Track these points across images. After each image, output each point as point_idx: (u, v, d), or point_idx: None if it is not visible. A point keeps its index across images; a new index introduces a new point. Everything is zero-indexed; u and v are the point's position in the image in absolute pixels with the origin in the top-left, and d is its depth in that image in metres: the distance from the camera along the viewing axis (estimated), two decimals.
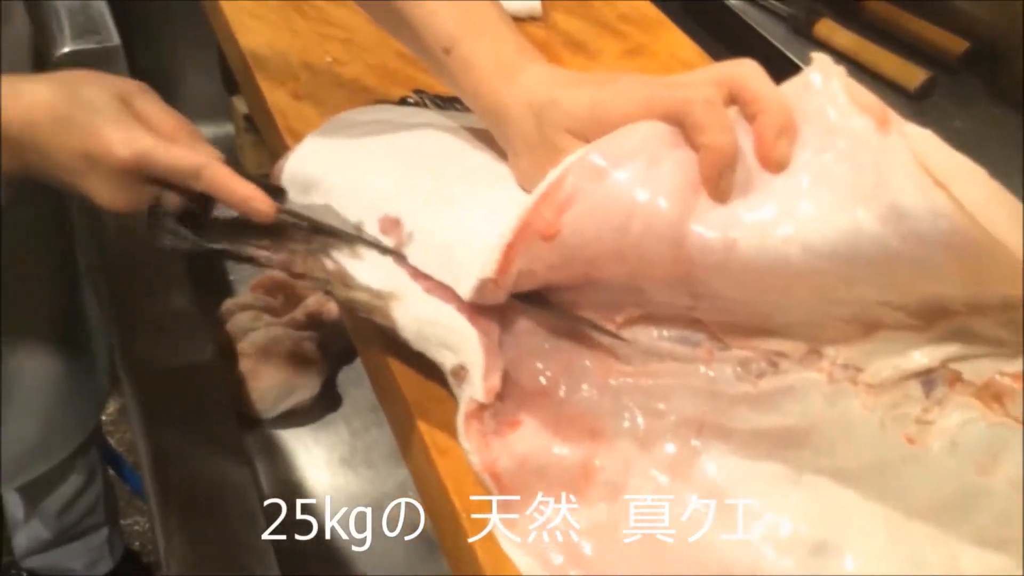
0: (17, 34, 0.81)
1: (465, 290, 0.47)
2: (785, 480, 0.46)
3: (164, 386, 0.73)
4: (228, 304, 0.85)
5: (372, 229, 0.52)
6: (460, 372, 0.47)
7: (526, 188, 0.50)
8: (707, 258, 0.42)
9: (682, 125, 0.42)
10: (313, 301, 0.87)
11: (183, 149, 0.53)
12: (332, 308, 0.87)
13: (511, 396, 0.48)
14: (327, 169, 0.56)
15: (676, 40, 0.85)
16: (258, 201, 0.53)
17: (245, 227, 0.54)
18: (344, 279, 0.51)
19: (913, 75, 0.81)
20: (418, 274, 0.50)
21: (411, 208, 0.51)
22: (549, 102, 0.46)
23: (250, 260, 0.52)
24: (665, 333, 0.49)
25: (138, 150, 0.52)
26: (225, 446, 0.69)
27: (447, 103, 0.70)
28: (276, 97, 0.74)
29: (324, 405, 0.83)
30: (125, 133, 0.52)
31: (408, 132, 0.57)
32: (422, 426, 0.51)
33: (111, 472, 1.46)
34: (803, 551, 0.45)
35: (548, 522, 0.46)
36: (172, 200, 0.54)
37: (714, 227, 0.42)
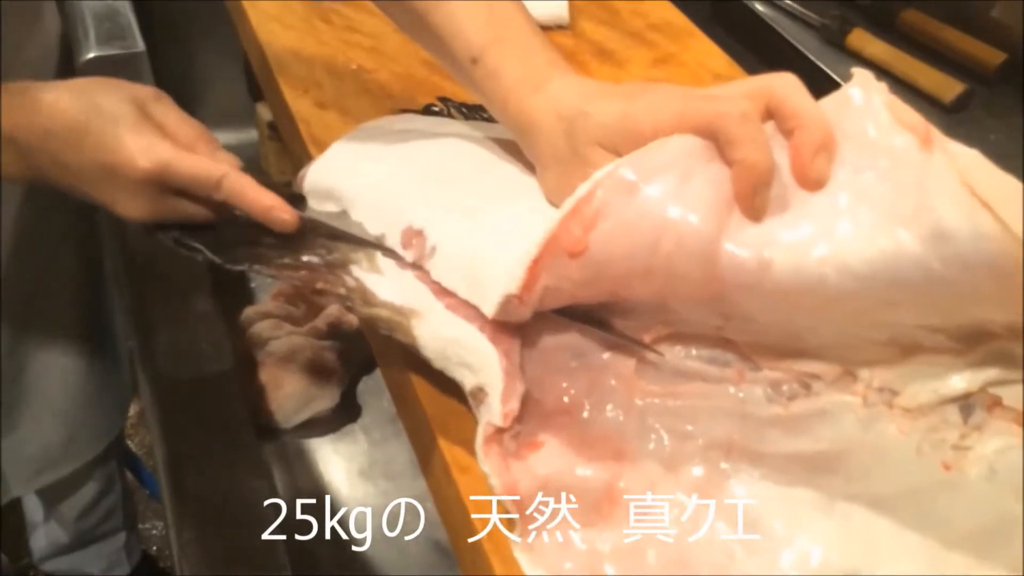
0: (47, 34, 0.81)
1: (489, 307, 0.46)
2: (817, 506, 0.45)
3: (182, 392, 0.72)
4: (249, 312, 0.85)
5: (393, 241, 0.52)
6: (479, 394, 0.46)
7: (554, 202, 0.49)
8: (740, 278, 0.41)
9: (716, 139, 0.41)
10: (334, 310, 0.86)
11: (203, 159, 0.53)
12: (353, 318, 0.86)
13: (533, 415, 0.47)
14: (349, 179, 0.55)
15: (705, 50, 0.84)
16: (280, 211, 0.52)
17: (263, 243, 0.53)
18: (365, 296, 0.50)
19: (949, 88, 0.79)
20: (441, 291, 0.49)
21: (434, 221, 0.50)
22: (579, 114, 0.45)
23: (271, 276, 0.51)
24: (694, 352, 0.48)
25: (158, 161, 0.51)
26: (243, 454, 0.68)
27: (472, 111, 0.69)
28: (300, 105, 0.73)
29: (343, 415, 0.82)
30: (145, 143, 0.51)
31: (433, 143, 0.56)
32: (442, 442, 0.50)
33: (129, 476, 1.47)
34: None
35: (571, 546, 0.45)
36: (192, 210, 0.54)
37: (747, 246, 0.41)
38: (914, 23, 0.86)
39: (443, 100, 0.71)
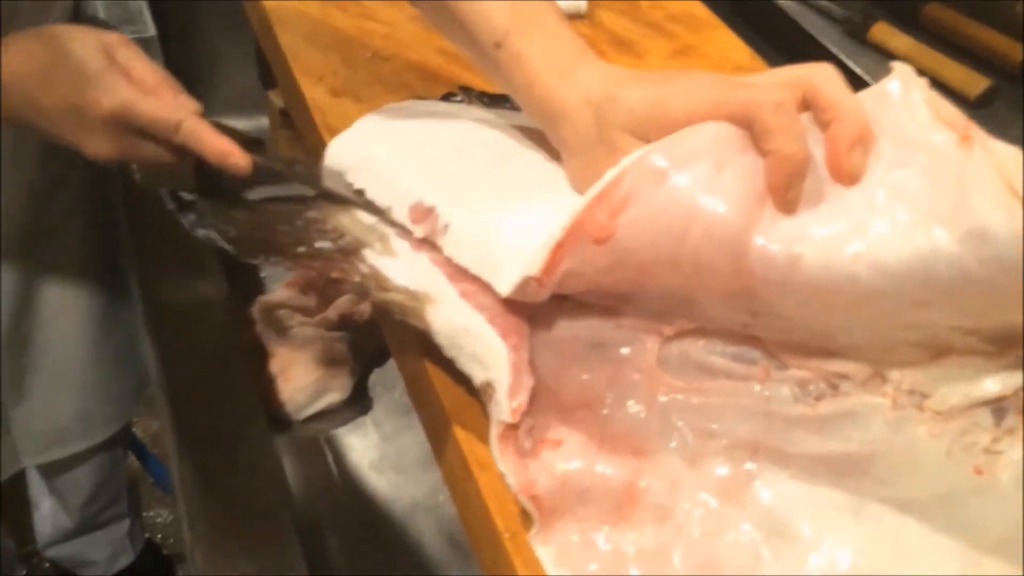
0: (58, 19, 0.80)
1: (505, 286, 0.45)
2: (845, 509, 0.44)
3: (193, 379, 0.71)
4: (260, 302, 0.84)
5: (401, 216, 0.51)
6: (487, 390, 0.45)
7: (579, 189, 0.48)
8: (769, 273, 0.40)
9: (750, 128, 0.40)
10: (345, 301, 0.85)
11: (164, 103, 0.56)
12: (364, 309, 0.85)
13: (550, 408, 0.46)
14: (366, 154, 0.55)
15: (726, 41, 0.83)
16: (235, 156, 0.55)
17: (277, 231, 0.52)
18: (379, 281, 0.49)
19: (974, 83, 0.78)
20: (455, 275, 0.48)
21: (449, 199, 0.50)
22: (608, 99, 0.44)
23: (287, 266, 0.50)
24: (718, 348, 0.47)
25: (121, 101, 0.55)
26: (254, 446, 0.67)
27: (494, 101, 0.68)
28: (314, 93, 0.72)
29: (355, 408, 0.82)
30: (109, 85, 0.55)
31: (454, 125, 0.55)
32: (460, 437, 0.49)
33: (134, 463, 1.46)
34: None
35: (595, 546, 0.44)
36: (153, 152, 0.57)
37: (779, 240, 0.40)
38: (938, 17, 0.84)
39: (464, 89, 0.70)
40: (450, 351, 0.47)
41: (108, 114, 0.55)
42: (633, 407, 0.46)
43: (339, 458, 0.78)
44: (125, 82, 0.56)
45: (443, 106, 0.60)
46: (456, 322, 0.46)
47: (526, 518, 0.45)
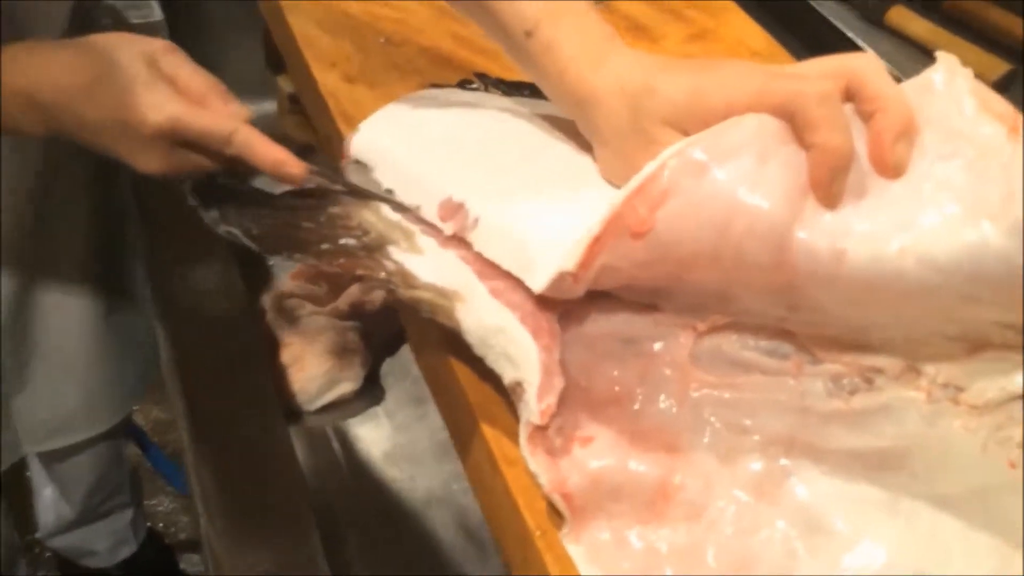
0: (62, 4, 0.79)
1: (539, 282, 0.44)
2: (882, 506, 0.43)
3: (206, 369, 0.71)
4: (270, 291, 0.83)
5: (431, 213, 0.50)
6: (517, 389, 0.45)
7: (612, 180, 0.47)
8: (812, 267, 0.39)
9: (793, 120, 0.39)
10: (356, 290, 0.84)
11: (214, 114, 0.54)
12: (376, 297, 0.84)
13: (580, 404, 0.46)
14: (390, 149, 0.54)
15: (743, 25, 0.82)
16: (289, 165, 0.53)
17: (301, 228, 0.51)
18: (405, 278, 0.48)
19: (993, 67, 0.77)
20: (484, 272, 0.47)
21: (478, 193, 0.49)
22: (644, 89, 0.43)
23: (311, 263, 0.49)
24: (751, 343, 0.46)
25: (169, 116, 0.52)
26: (270, 437, 0.67)
27: (511, 88, 0.66)
28: (327, 79, 0.70)
29: (367, 398, 0.81)
30: (156, 100, 0.53)
31: (478, 117, 0.54)
32: (487, 432, 0.49)
33: (134, 451, 1.45)
34: None
35: (628, 544, 0.43)
36: (204, 163, 0.55)
37: (822, 234, 0.39)
38: (956, 1, 0.83)
39: (480, 76, 0.68)
40: (480, 349, 0.46)
41: (156, 130, 0.53)
42: (665, 403, 0.46)
43: (351, 449, 0.78)
44: (172, 94, 0.54)
45: (465, 95, 0.59)
46: (487, 321, 0.45)
47: (556, 515, 0.45)
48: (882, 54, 0.84)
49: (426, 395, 0.82)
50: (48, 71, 0.54)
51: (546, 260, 0.43)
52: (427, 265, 0.48)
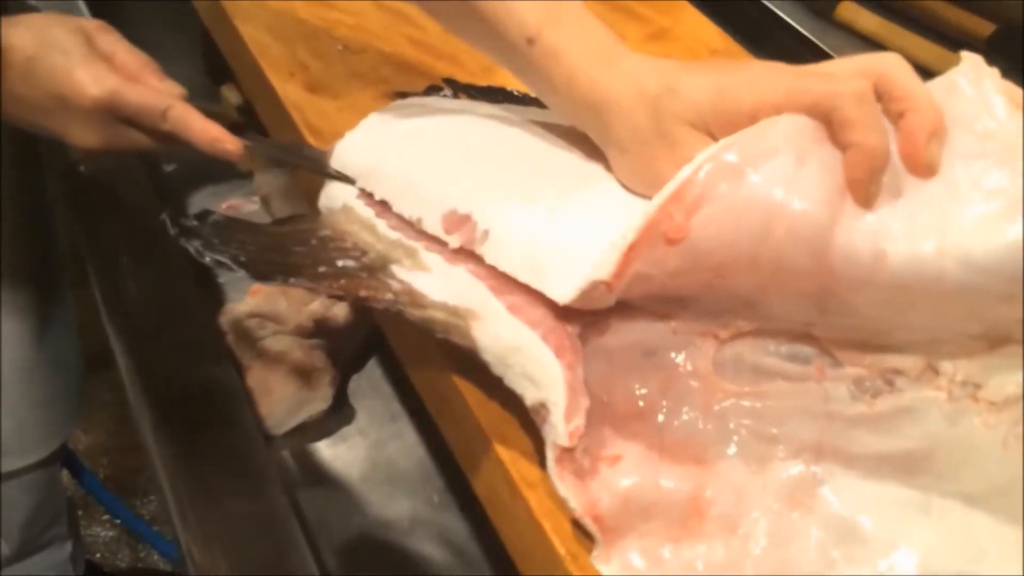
0: None
1: (565, 292, 0.42)
2: (914, 508, 0.43)
3: (170, 378, 0.68)
4: (229, 312, 0.79)
5: (433, 226, 0.48)
6: (541, 411, 0.43)
7: (631, 186, 0.45)
8: (852, 271, 0.39)
9: (828, 120, 0.38)
10: (318, 306, 0.81)
11: (150, 90, 0.56)
12: (339, 312, 0.81)
13: (603, 420, 0.44)
14: (382, 160, 0.51)
15: (698, 23, 0.81)
16: (225, 141, 0.55)
17: (292, 252, 0.49)
18: (414, 297, 0.46)
19: (945, 60, 0.78)
20: (499, 289, 0.45)
21: (485, 204, 0.47)
22: (665, 90, 0.42)
23: (309, 286, 0.46)
24: (771, 348, 0.45)
25: (107, 89, 0.54)
26: (244, 444, 0.64)
27: (481, 94, 0.65)
28: (288, 90, 0.68)
29: (337, 418, 0.78)
30: (94, 73, 0.54)
31: (471, 124, 0.52)
32: (502, 456, 0.47)
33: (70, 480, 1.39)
34: None
35: (663, 564, 0.42)
36: (140, 140, 0.57)
37: (862, 236, 0.38)
38: None
39: (449, 82, 0.67)
40: (498, 369, 0.44)
41: (94, 103, 0.54)
42: (689, 414, 0.45)
43: (326, 472, 0.75)
44: (110, 69, 0.55)
45: (449, 103, 0.57)
46: (506, 340, 0.43)
47: (584, 537, 0.43)
48: (832, 49, 0.84)
49: (399, 412, 0.80)
50: None
51: (568, 270, 0.42)
52: (436, 283, 0.46)
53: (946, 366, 0.44)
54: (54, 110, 0.55)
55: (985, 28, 0.81)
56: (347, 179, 0.53)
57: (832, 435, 0.44)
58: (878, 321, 0.41)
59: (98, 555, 1.44)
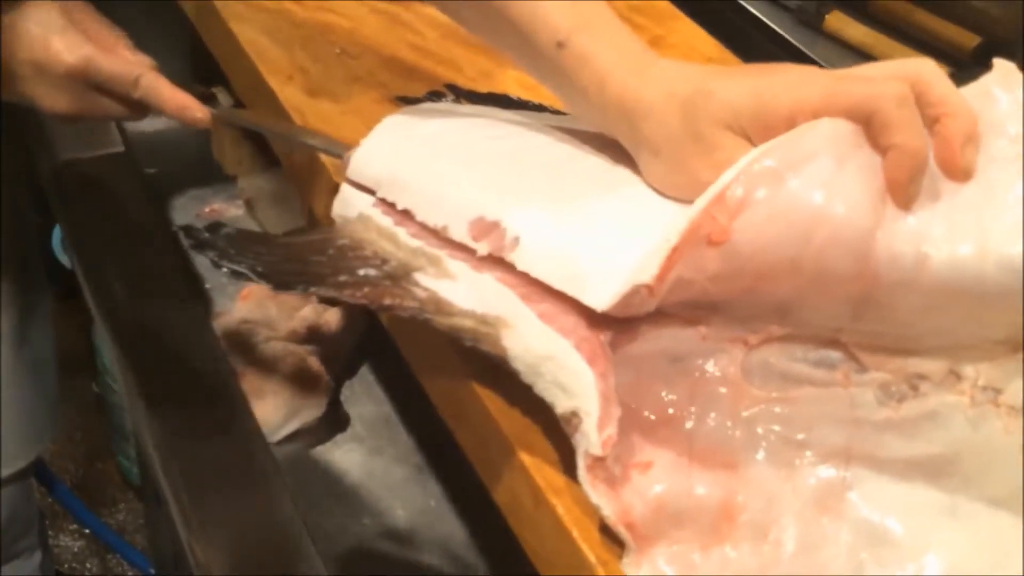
0: None
1: (604, 299, 0.42)
2: (942, 512, 0.43)
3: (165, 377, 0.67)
4: (220, 319, 0.78)
5: (460, 233, 0.47)
6: (572, 420, 0.43)
7: (665, 190, 0.45)
8: (894, 274, 0.39)
9: (868, 123, 0.39)
10: (310, 311, 0.80)
11: (123, 59, 0.60)
12: (331, 319, 0.81)
13: (633, 428, 0.44)
14: (399, 169, 0.51)
15: (692, 32, 0.82)
16: (193, 109, 0.59)
17: (310, 261, 0.48)
18: (440, 305, 0.46)
19: None
20: (530, 297, 0.45)
21: (515, 210, 0.46)
22: (700, 93, 0.42)
23: (331, 295, 0.46)
24: (799, 354, 0.46)
25: (81, 56, 0.57)
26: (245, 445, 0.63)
27: (483, 100, 0.64)
28: (287, 94, 0.67)
29: (331, 424, 0.77)
30: (70, 42, 0.58)
31: (492, 130, 0.52)
32: (527, 463, 0.47)
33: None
34: None
35: (694, 569, 0.42)
36: (111, 108, 0.60)
37: (905, 239, 0.39)
38: (887, 6, 0.86)
39: (451, 88, 0.66)
40: (528, 378, 0.44)
41: (69, 69, 0.57)
42: (717, 421, 0.45)
43: (322, 479, 0.74)
44: (85, 39, 0.58)
45: (462, 108, 0.57)
46: (538, 349, 0.43)
47: (612, 544, 0.43)
48: (821, 58, 0.86)
49: (393, 416, 0.79)
50: None
51: (605, 276, 0.42)
52: (463, 290, 0.46)
53: (968, 370, 0.45)
54: (30, 76, 0.58)
55: (971, 40, 0.83)
56: (330, 151, 0.56)
57: (859, 440, 0.44)
58: (910, 327, 0.42)
59: (66, 566, 1.41)
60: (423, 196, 0.49)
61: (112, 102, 0.60)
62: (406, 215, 0.49)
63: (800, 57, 0.86)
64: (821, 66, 0.90)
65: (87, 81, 0.59)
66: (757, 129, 0.41)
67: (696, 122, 0.42)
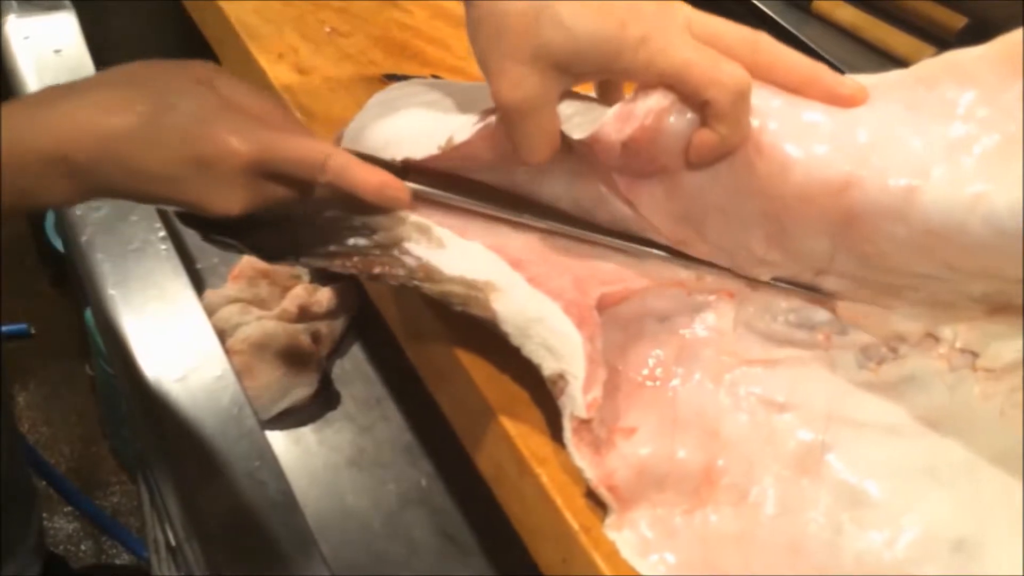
0: None
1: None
2: (921, 474, 0.44)
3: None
4: (211, 297, 0.78)
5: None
6: (559, 382, 0.44)
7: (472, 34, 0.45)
8: (882, 197, 0.40)
9: (701, 108, 0.42)
10: (301, 290, 0.81)
11: (304, 139, 0.47)
12: (322, 298, 0.81)
13: (619, 391, 0.45)
14: (398, 128, 0.51)
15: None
16: (392, 188, 0.47)
17: (298, 233, 0.49)
18: (429, 272, 0.46)
19: (919, 51, 0.81)
20: (520, 263, 0.46)
21: None
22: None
23: (322, 265, 0.46)
24: (781, 316, 0.47)
25: (258, 143, 0.45)
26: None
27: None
28: (278, 72, 0.67)
29: (323, 403, 0.78)
30: (236, 127, 0.45)
31: (489, 102, 0.52)
32: (512, 433, 0.47)
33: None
34: (943, 548, 0.43)
35: (676, 534, 0.43)
36: (286, 196, 0.47)
37: (900, 164, 0.40)
38: None
39: (436, 79, 0.67)
40: (517, 339, 0.44)
41: (245, 161, 0.44)
42: (702, 382, 0.46)
43: (315, 457, 0.75)
44: (251, 120, 0.46)
45: (457, 84, 0.57)
46: (528, 311, 0.44)
47: (596, 510, 0.44)
48: (810, 40, 0.86)
49: (384, 395, 0.80)
50: (79, 120, 0.44)
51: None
52: (452, 257, 0.46)
53: (946, 332, 0.46)
54: (187, 177, 0.45)
55: (957, 21, 0.83)
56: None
57: (839, 403, 0.45)
58: (891, 273, 0.42)
59: (60, 548, 1.42)
60: (423, 135, 0.49)
61: (286, 188, 0.47)
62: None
63: (789, 38, 0.86)
64: (811, 48, 0.91)
65: (263, 171, 0.46)
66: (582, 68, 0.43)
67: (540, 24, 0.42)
